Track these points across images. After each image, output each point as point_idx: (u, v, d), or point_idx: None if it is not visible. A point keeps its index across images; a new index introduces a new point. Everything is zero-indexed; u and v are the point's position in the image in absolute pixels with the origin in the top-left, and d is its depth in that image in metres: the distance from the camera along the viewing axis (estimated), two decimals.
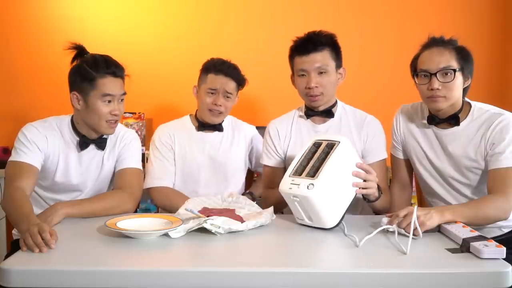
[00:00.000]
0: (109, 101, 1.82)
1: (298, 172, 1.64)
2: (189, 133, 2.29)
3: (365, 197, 1.78)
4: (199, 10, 3.34)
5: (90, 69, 1.81)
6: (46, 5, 3.27)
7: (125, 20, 3.31)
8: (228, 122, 2.35)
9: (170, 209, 2.05)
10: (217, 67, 2.21)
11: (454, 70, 1.77)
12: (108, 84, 1.82)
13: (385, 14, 3.35)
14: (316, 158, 1.64)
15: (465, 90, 1.85)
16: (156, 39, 3.33)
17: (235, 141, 2.32)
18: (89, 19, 3.28)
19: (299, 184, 1.57)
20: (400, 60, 3.20)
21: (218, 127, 2.29)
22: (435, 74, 1.78)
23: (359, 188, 1.63)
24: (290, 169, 1.66)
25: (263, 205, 2.06)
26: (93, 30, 3.23)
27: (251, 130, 2.41)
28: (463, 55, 1.80)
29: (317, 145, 1.69)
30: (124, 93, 1.88)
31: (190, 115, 2.37)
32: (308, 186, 1.55)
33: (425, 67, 1.81)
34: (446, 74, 1.78)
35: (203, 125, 2.28)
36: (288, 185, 1.61)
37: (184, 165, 2.25)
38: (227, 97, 2.21)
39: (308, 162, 1.65)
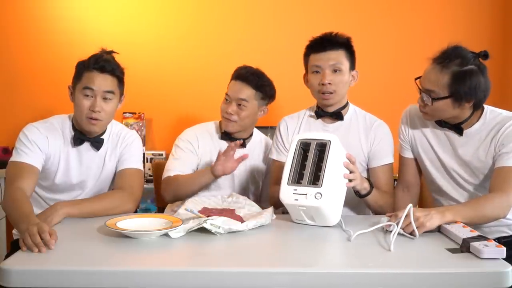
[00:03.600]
0: (90, 96, 1.81)
1: (296, 179, 1.64)
2: (214, 143, 2.19)
3: (356, 192, 1.81)
4: (200, 10, 3.34)
5: (81, 64, 1.82)
6: (46, 5, 3.27)
7: (125, 21, 3.31)
8: (259, 140, 2.26)
9: (175, 198, 2.05)
10: (237, 72, 2.14)
11: (433, 98, 1.76)
12: (91, 77, 1.80)
13: (387, 15, 3.35)
14: (311, 161, 1.64)
15: (475, 105, 1.78)
16: (157, 39, 3.33)
17: (257, 157, 2.25)
18: (89, 19, 3.28)
19: (305, 194, 1.59)
20: (402, 61, 3.24)
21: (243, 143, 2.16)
22: (421, 91, 1.80)
23: (348, 180, 1.68)
24: (286, 175, 1.65)
25: (270, 200, 2.07)
26: (93, 31, 3.24)
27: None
28: (460, 81, 1.72)
29: (304, 145, 1.69)
30: (110, 91, 1.83)
31: (220, 121, 2.24)
32: (315, 196, 1.57)
33: (421, 79, 1.82)
34: (428, 96, 1.78)
35: (226, 135, 2.18)
36: (291, 196, 1.61)
37: None
38: (239, 104, 2.11)
39: (303, 167, 1.65)
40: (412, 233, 1.50)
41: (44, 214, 1.61)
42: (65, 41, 3.24)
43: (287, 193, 1.63)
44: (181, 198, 2.05)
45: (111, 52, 1.89)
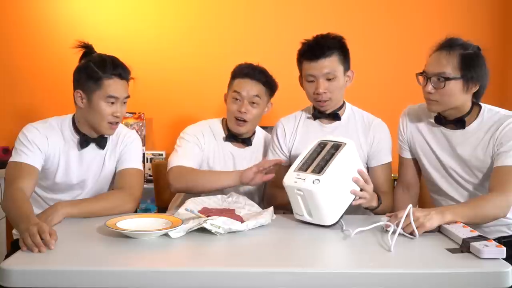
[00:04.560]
0: (112, 103, 1.82)
1: (303, 168, 1.65)
2: (218, 144, 2.16)
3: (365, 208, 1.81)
4: (200, 10, 3.34)
5: (97, 69, 1.80)
6: (46, 5, 3.28)
7: (125, 20, 3.31)
8: (262, 137, 2.24)
9: (186, 189, 2.01)
10: (243, 70, 2.10)
11: (446, 78, 1.76)
12: (114, 85, 1.81)
13: (387, 15, 3.35)
14: (322, 157, 1.66)
15: (476, 94, 1.82)
16: (157, 39, 3.33)
17: (261, 156, 2.21)
18: (89, 20, 3.28)
19: (304, 179, 1.60)
20: (403, 61, 3.25)
21: (246, 141, 2.17)
22: (430, 78, 1.80)
23: (356, 197, 1.68)
24: (295, 165, 1.68)
25: (270, 201, 2.06)
26: (93, 31, 3.23)
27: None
28: (468, 62, 1.76)
29: (322, 145, 1.71)
30: (128, 96, 1.87)
31: (223, 119, 2.22)
32: (313, 181, 1.58)
33: (425, 68, 1.83)
34: (439, 80, 1.78)
35: (232, 136, 2.15)
36: (293, 179, 1.63)
37: None
38: (253, 103, 2.08)
39: (313, 160, 1.67)
40: (412, 233, 1.50)
41: (44, 214, 1.61)
42: (64, 41, 3.21)
43: (290, 177, 1.65)
44: (192, 191, 2.00)
45: (89, 45, 1.93)
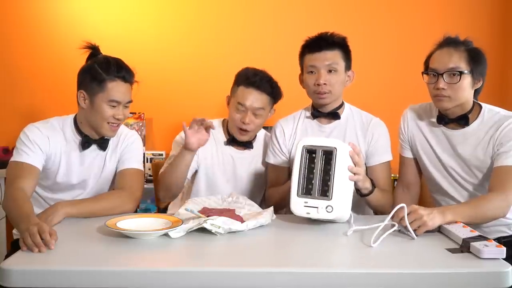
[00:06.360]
0: (114, 106, 1.83)
1: (306, 191, 1.64)
2: (217, 147, 2.15)
3: (358, 191, 1.79)
4: (200, 10, 3.34)
5: (101, 71, 1.81)
6: (46, 5, 3.27)
7: (125, 20, 3.31)
8: (262, 138, 2.23)
9: (170, 194, 2.01)
10: (249, 79, 2.05)
11: (461, 72, 1.78)
12: (116, 89, 1.81)
13: (386, 15, 3.35)
14: (319, 170, 1.63)
15: (477, 91, 1.86)
16: (157, 39, 3.33)
17: (261, 158, 2.20)
18: (89, 19, 3.28)
19: (316, 208, 1.60)
20: (402, 61, 3.25)
21: (247, 145, 2.16)
22: (442, 74, 1.80)
23: (352, 174, 1.67)
24: (295, 187, 1.65)
25: (268, 202, 2.07)
26: (93, 31, 3.23)
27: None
28: (475, 57, 1.80)
29: (310, 151, 1.67)
30: (130, 101, 1.88)
31: (223, 120, 2.20)
32: (327, 209, 1.59)
33: (434, 66, 1.84)
34: (453, 75, 1.79)
35: (233, 140, 2.14)
36: (303, 209, 1.63)
37: (208, 184, 2.14)
38: (256, 114, 2.06)
39: (311, 176, 1.64)
40: (414, 231, 1.49)
41: (45, 214, 1.62)
42: (65, 41, 3.24)
43: (298, 205, 1.63)
44: (172, 190, 2.01)
45: (95, 46, 1.92)
